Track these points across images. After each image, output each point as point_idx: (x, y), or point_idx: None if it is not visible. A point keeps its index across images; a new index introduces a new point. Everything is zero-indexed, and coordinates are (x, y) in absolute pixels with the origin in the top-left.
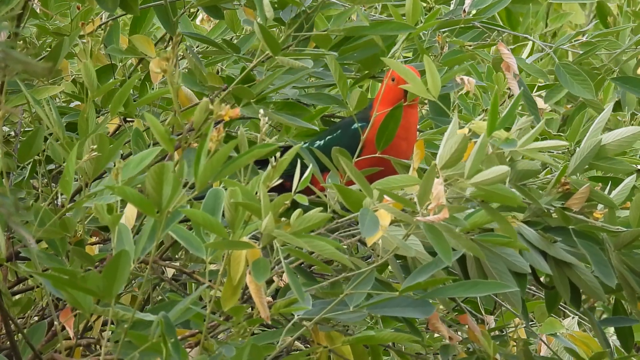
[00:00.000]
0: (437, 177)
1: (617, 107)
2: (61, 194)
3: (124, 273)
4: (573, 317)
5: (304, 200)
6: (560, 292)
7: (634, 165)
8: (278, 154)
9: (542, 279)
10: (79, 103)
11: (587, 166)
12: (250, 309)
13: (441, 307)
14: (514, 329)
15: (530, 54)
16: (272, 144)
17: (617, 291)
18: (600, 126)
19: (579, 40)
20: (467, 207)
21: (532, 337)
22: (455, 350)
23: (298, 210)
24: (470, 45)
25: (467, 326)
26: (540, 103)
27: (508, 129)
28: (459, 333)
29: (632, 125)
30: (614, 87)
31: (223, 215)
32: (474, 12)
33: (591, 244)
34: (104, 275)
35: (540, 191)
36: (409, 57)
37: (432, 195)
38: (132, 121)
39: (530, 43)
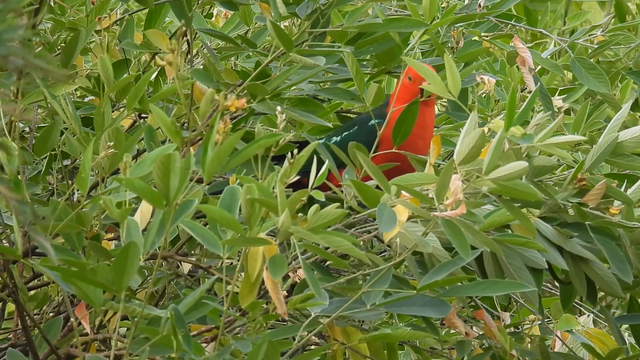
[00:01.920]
0: (455, 173)
1: (635, 107)
2: (77, 190)
3: (133, 265)
4: (589, 315)
5: (320, 196)
6: (577, 287)
7: None
8: (295, 151)
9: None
10: (93, 98)
11: (603, 163)
12: (265, 304)
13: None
14: (529, 325)
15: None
16: (279, 135)
17: (634, 287)
18: (618, 123)
19: (594, 34)
20: (485, 202)
21: (547, 335)
22: (472, 346)
23: (315, 206)
24: (487, 36)
25: (483, 322)
26: (557, 102)
27: (524, 124)
28: (475, 329)
29: None
30: (631, 86)
31: (240, 213)
32: (489, 5)
33: (608, 240)
34: (113, 267)
35: (557, 187)
36: (424, 49)
37: (450, 191)
38: (147, 117)
39: (552, 41)
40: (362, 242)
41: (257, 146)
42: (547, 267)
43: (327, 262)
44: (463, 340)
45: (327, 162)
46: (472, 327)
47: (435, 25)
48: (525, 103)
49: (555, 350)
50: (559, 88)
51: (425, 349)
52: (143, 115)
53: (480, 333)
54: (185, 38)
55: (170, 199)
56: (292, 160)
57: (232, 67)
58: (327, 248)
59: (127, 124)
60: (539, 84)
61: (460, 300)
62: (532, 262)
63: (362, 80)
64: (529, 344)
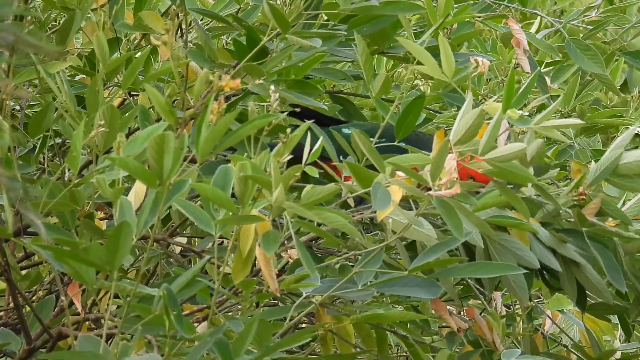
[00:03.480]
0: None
1: (624, 88)
2: (68, 169)
3: (126, 245)
4: None
5: (314, 172)
6: (567, 292)
7: None
8: (289, 130)
9: None
10: (83, 76)
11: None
12: (257, 284)
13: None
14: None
15: (538, 30)
16: (274, 115)
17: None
18: (623, 144)
19: (588, 15)
20: (479, 184)
21: (539, 315)
22: (462, 339)
23: (310, 185)
24: (479, 17)
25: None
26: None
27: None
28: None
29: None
30: (621, 68)
31: (233, 195)
32: None
33: (603, 248)
34: (105, 247)
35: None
36: (415, 29)
37: (444, 171)
38: (137, 95)
39: (537, 19)
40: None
41: (251, 126)
42: (539, 266)
43: (318, 242)
44: (454, 333)
45: (321, 138)
46: (459, 313)
47: (448, 22)
48: (524, 86)
49: (546, 328)
50: (545, 61)
51: (415, 338)
52: (133, 93)
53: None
54: (180, 18)
55: (164, 178)
56: (285, 140)
57: (223, 46)
58: (320, 226)
59: (117, 103)
60: (536, 66)
61: (451, 292)
62: (524, 260)
63: (370, 68)
64: (520, 327)
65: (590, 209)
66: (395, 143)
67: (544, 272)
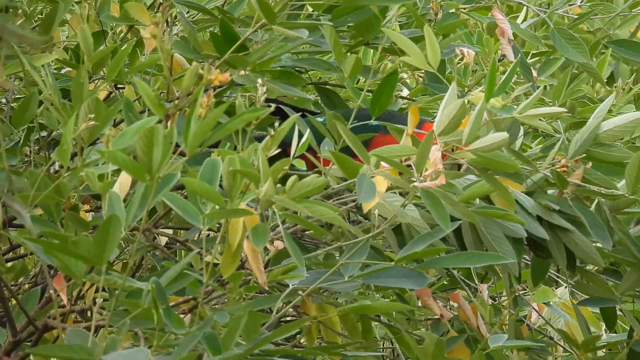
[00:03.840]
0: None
1: (611, 81)
2: (56, 161)
3: (114, 238)
4: (566, 287)
5: (302, 165)
6: (556, 258)
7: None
8: (277, 123)
9: None
10: (69, 69)
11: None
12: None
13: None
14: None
15: (524, 21)
16: (262, 109)
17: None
18: (601, 114)
19: (573, 4)
20: (465, 173)
21: (524, 306)
22: (446, 327)
23: (294, 176)
24: (464, 8)
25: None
26: (533, 73)
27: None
28: (450, 309)
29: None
30: (608, 61)
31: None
32: None
33: (586, 208)
34: (94, 240)
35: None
36: (402, 21)
37: (429, 162)
38: (123, 88)
39: (524, 10)
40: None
41: (240, 120)
42: (525, 235)
43: (304, 233)
44: (438, 321)
45: (307, 132)
46: (446, 307)
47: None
48: (505, 74)
49: (532, 320)
50: (531, 52)
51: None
52: (119, 86)
53: (455, 314)
54: (168, 11)
55: (153, 172)
56: (273, 133)
57: (209, 39)
58: (309, 218)
59: (103, 96)
60: (519, 55)
61: (440, 272)
62: (511, 231)
63: (340, 52)
64: (507, 315)
65: (574, 178)
66: (368, 122)
67: (533, 242)
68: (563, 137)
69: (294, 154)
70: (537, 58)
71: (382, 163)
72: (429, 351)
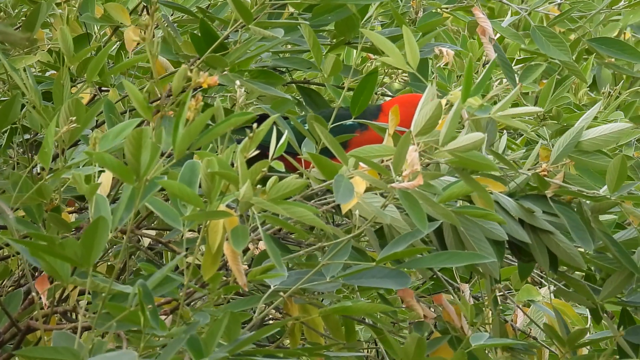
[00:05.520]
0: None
1: (594, 87)
2: (38, 163)
3: (101, 240)
4: (549, 286)
5: (280, 166)
6: (538, 260)
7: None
8: (255, 125)
9: None
10: (54, 72)
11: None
12: (224, 276)
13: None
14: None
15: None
16: (249, 113)
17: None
18: (586, 122)
19: (554, 2)
20: (443, 174)
21: (508, 305)
22: (430, 328)
23: (274, 177)
24: (446, 8)
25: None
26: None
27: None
28: (433, 310)
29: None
30: (590, 67)
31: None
32: None
33: (568, 209)
34: (81, 242)
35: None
36: (383, 20)
37: (407, 162)
38: (108, 90)
39: (509, 12)
40: (321, 214)
41: (227, 124)
42: (507, 238)
43: (284, 234)
44: (421, 321)
45: (286, 132)
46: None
47: None
48: (483, 73)
49: (517, 321)
50: (516, 57)
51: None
52: (103, 89)
53: (437, 315)
54: (156, 13)
55: (141, 174)
56: (252, 134)
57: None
58: (288, 220)
59: (87, 98)
60: (497, 53)
61: (422, 273)
62: (492, 234)
63: (319, 51)
64: (490, 315)
65: (555, 179)
66: (346, 121)
67: (515, 245)
68: (547, 143)
69: (273, 155)
70: (520, 65)
71: (361, 164)
72: (410, 351)
